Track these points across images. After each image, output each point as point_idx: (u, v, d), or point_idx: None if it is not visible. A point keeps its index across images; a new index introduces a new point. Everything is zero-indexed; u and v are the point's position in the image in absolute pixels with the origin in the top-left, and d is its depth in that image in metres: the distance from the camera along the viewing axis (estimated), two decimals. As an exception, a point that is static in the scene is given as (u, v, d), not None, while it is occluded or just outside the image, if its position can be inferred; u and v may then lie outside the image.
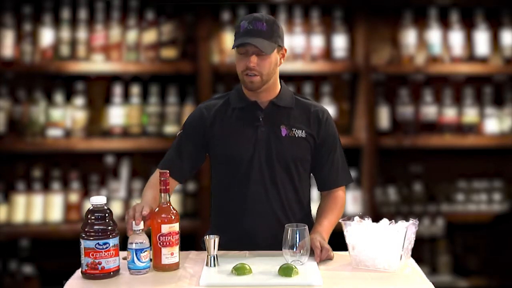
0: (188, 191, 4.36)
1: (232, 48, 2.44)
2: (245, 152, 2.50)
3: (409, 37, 4.45)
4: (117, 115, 4.28)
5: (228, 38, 4.30)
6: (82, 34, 4.25)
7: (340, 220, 2.33)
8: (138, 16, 4.31)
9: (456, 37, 4.46)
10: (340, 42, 4.38)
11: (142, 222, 2.21)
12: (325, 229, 2.48)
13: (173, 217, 2.22)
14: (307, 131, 2.53)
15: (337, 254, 2.41)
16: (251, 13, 2.50)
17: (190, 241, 3.81)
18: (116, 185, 4.33)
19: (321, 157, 2.58)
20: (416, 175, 4.60)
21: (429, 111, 4.48)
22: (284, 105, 2.54)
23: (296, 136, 2.52)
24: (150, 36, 4.28)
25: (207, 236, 2.28)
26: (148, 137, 4.28)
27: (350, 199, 4.39)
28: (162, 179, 2.24)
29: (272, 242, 2.42)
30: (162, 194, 2.24)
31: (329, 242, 2.53)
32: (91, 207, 2.18)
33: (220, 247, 2.30)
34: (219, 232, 2.40)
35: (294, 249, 2.24)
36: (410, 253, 2.30)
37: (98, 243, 2.14)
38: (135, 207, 2.24)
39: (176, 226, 2.22)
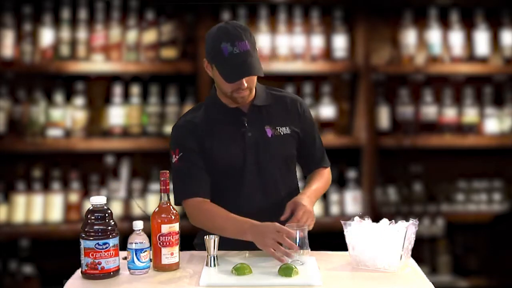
0: (188, 191, 4.36)
1: (227, 81, 2.35)
2: (236, 162, 2.47)
3: (409, 37, 4.45)
4: (117, 115, 4.28)
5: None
6: (82, 34, 4.25)
7: (340, 220, 2.33)
8: (138, 16, 4.31)
9: (456, 37, 4.46)
10: (340, 42, 4.38)
11: (141, 222, 2.22)
12: (311, 192, 2.50)
13: (173, 217, 2.22)
14: (290, 126, 2.53)
15: (337, 254, 2.41)
16: (222, 27, 2.38)
17: (190, 241, 3.81)
18: (116, 185, 4.33)
19: (304, 145, 2.59)
20: (416, 175, 4.60)
21: (429, 111, 4.48)
22: (263, 104, 2.52)
23: (282, 134, 2.52)
24: (150, 36, 4.28)
25: (207, 236, 2.28)
26: (148, 137, 4.28)
27: (350, 199, 4.39)
28: (162, 179, 2.24)
29: None
30: (162, 194, 2.24)
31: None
32: (91, 207, 2.18)
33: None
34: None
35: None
36: (410, 253, 2.29)
37: (98, 243, 2.14)
38: (281, 231, 2.22)
39: (176, 226, 2.22)
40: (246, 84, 2.38)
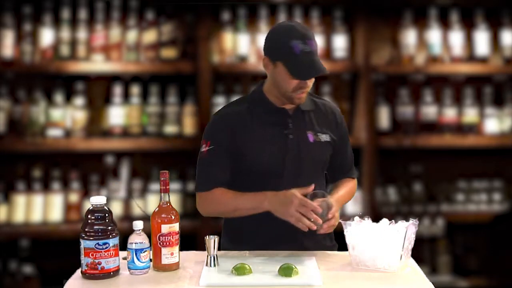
0: (188, 191, 4.36)
1: (300, 79, 2.36)
2: (275, 163, 2.45)
3: (409, 37, 4.45)
4: (117, 115, 4.28)
5: (228, 38, 4.30)
6: (82, 34, 4.25)
7: (340, 220, 2.33)
8: (138, 16, 4.31)
9: (456, 37, 4.46)
10: (340, 42, 4.38)
11: (141, 222, 2.22)
12: (339, 199, 2.50)
13: (173, 217, 2.22)
14: (330, 134, 2.54)
15: (337, 254, 2.41)
16: (289, 25, 2.41)
17: (190, 241, 3.81)
18: (116, 185, 4.33)
19: (336, 154, 2.58)
20: (416, 175, 4.60)
21: (429, 111, 4.49)
22: (307, 109, 2.52)
23: (322, 140, 2.51)
24: (150, 36, 4.28)
25: (207, 236, 2.28)
26: (148, 137, 4.28)
27: (350, 199, 4.38)
28: (162, 179, 2.24)
29: (299, 249, 2.43)
30: (162, 194, 2.24)
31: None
32: (91, 207, 2.18)
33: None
34: (241, 240, 2.43)
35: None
36: (410, 253, 2.29)
37: (98, 243, 2.14)
38: (306, 205, 2.24)
39: (176, 226, 2.22)
40: (309, 84, 2.40)
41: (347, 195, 2.61)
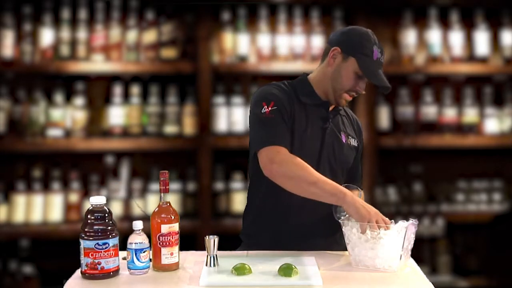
0: (188, 191, 4.36)
1: (370, 78, 2.45)
2: (311, 156, 2.44)
3: (409, 37, 4.45)
4: (117, 115, 4.28)
5: (228, 38, 4.31)
6: (82, 34, 4.25)
7: (340, 220, 2.33)
8: (138, 16, 4.31)
9: (456, 37, 4.46)
10: (340, 42, 4.37)
11: (141, 222, 2.22)
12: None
13: (173, 217, 2.22)
14: (357, 140, 2.61)
15: (337, 254, 2.41)
16: (372, 34, 2.46)
17: (190, 241, 3.81)
18: (116, 185, 4.33)
19: (354, 160, 2.63)
20: (416, 175, 4.60)
21: (429, 111, 4.49)
22: (342, 113, 2.59)
23: (351, 144, 2.57)
24: (150, 36, 4.28)
25: (207, 236, 2.28)
26: (148, 137, 4.28)
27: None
28: (162, 179, 2.24)
29: (325, 243, 2.46)
30: (162, 194, 2.24)
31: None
32: (91, 207, 2.18)
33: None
34: (265, 228, 2.47)
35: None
36: (410, 253, 2.29)
37: (97, 243, 2.13)
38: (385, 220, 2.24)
39: (176, 226, 2.22)
40: (364, 90, 2.49)
41: None
